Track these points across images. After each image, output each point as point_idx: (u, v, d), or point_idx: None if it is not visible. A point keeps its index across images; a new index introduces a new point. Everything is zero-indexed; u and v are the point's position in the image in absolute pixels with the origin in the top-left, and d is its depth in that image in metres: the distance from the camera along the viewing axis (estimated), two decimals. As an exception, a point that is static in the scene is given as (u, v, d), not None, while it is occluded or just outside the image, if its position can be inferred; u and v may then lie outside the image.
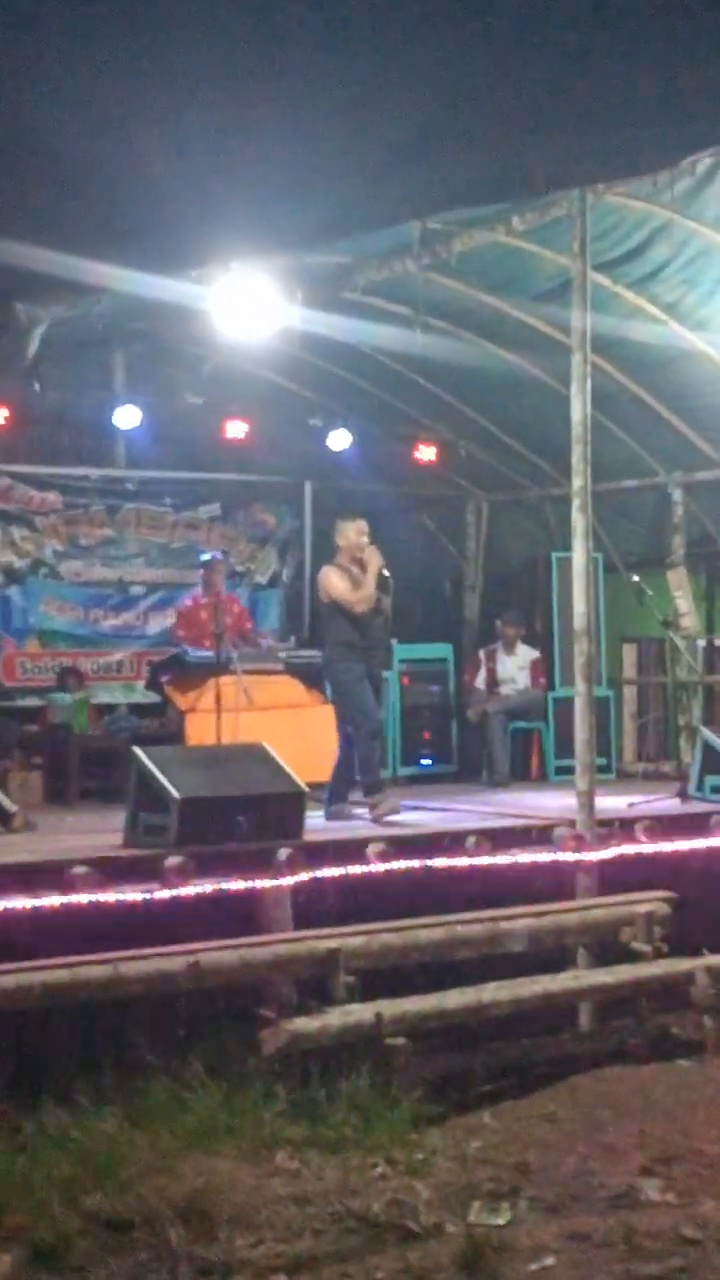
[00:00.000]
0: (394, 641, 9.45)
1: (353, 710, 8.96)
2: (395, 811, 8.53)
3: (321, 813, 8.74)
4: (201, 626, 10.60)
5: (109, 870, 6.86)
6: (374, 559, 9.05)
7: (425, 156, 5.37)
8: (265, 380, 12.18)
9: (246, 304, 9.50)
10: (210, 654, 9.93)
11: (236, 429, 12.06)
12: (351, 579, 9.04)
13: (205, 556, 11.12)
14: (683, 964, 7.56)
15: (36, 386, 10.71)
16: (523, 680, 12.16)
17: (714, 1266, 4.72)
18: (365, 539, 9.14)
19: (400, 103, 4.73)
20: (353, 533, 9.16)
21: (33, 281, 8.22)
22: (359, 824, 8.59)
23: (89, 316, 9.72)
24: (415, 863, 7.57)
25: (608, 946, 7.72)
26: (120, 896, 6.66)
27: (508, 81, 4.65)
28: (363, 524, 9.23)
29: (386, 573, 9.09)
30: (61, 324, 9.78)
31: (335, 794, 9.00)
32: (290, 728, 9.83)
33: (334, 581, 9.05)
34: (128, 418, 11.74)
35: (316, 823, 8.05)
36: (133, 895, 6.69)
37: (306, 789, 7.77)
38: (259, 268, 9.11)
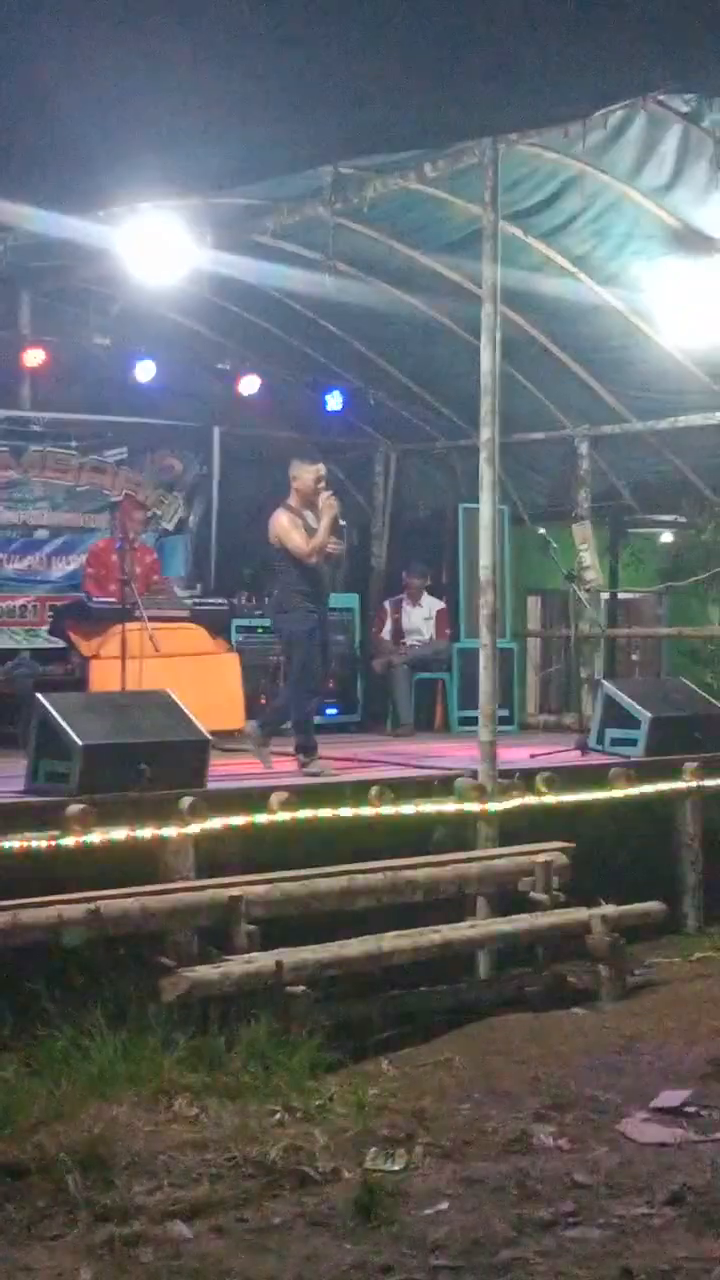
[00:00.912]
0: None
1: (298, 664, 8.77)
2: (324, 775, 8.40)
3: (225, 760, 8.71)
4: (109, 569, 10.50)
5: (10, 816, 6.81)
6: (330, 507, 8.70)
7: (337, 101, 5.31)
8: (174, 323, 12.06)
9: (156, 245, 9.39)
10: (113, 600, 9.84)
11: (145, 372, 11.93)
12: (305, 525, 8.69)
13: (115, 498, 10.99)
14: (579, 914, 7.68)
15: (-61, 325, 10.52)
16: (428, 631, 12.22)
17: (604, 1210, 4.82)
18: (322, 484, 8.80)
19: (312, 45, 4.66)
20: (310, 476, 8.78)
21: (-65, 218, 8.06)
22: (264, 773, 8.59)
23: (-6, 255, 9.56)
24: (318, 812, 7.59)
25: (507, 896, 7.81)
26: (21, 843, 6.61)
27: (420, 26, 4.59)
28: (321, 469, 8.90)
29: (343, 522, 8.87)
30: (-35, 262, 9.62)
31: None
32: (195, 675, 9.80)
33: (286, 529, 8.63)
34: (34, 359, 11.57)
35: (220, 771, 8.03)
36: (34, 842, 6.65)
37: (210, 737, 7.75)
38: (168, 209, 9.01)
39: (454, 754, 9.50)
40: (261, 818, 7.38)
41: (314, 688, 8.90)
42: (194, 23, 4.37)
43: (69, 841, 6.72)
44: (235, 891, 6.77)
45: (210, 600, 11.58)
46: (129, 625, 9.27)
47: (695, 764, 9.13)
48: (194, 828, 7.09)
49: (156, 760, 7.32)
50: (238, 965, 6.47)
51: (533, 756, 9.33)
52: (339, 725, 11.93)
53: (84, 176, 5.91)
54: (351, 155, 8.45)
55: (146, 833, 6.95)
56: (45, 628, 11.57)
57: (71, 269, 10.89)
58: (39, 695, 7.65)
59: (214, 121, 5.21)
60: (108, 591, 10.25)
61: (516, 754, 9.24)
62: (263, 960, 6.52)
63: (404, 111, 5.55)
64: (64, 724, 7.26)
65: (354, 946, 6.92)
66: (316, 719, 10.55)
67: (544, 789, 8.47)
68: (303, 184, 9.09)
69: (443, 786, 8.26)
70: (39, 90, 4.73)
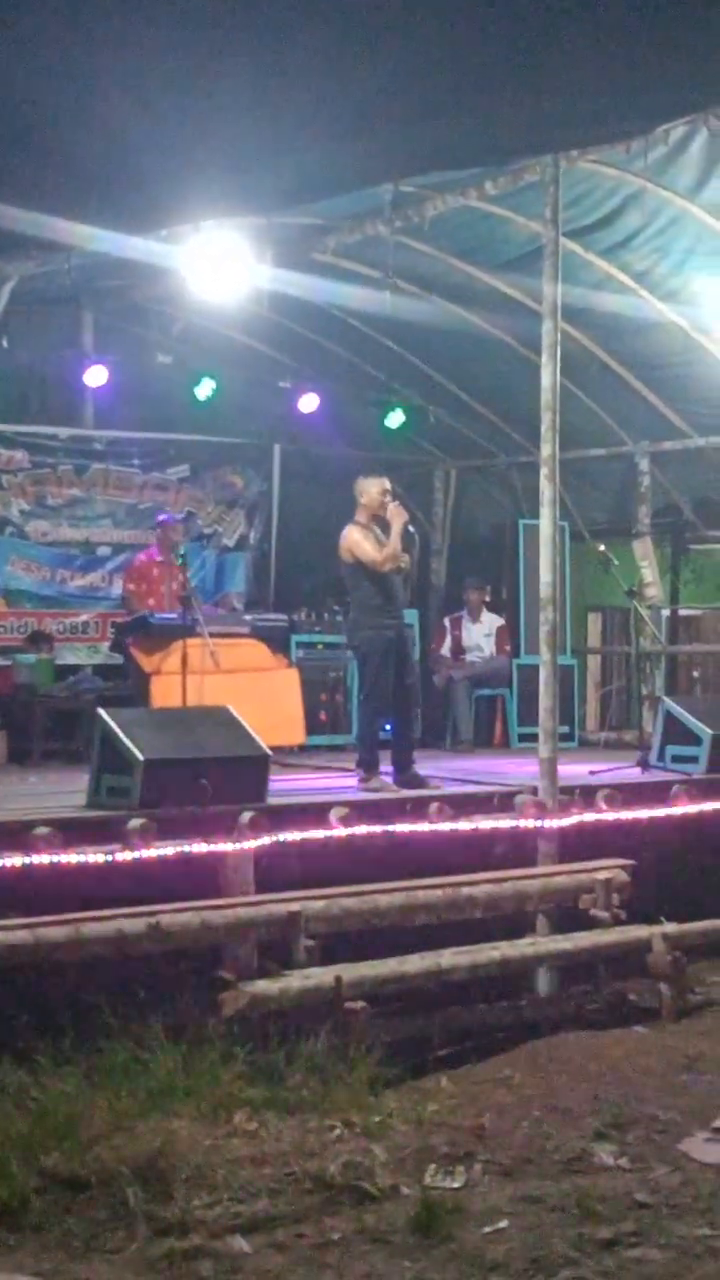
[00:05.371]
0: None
1: (368, 683, 8.80)
2: (384, 791, 8.43)
3: (285, 775, 8.74)
4: (151, 584, 10.60)
5: (71, 831, 6.86)
6: (398, 516, 8.71)
7: (398, 119, 5.34)
8: (235, 341, 12.12)
9: (217, 264, 9.45)
10: (174, 616, 9.90)
11: (206, 390, 12.00)
12: (374, 538, 8.74)
13: (162, 517, 11.13)
14: (640, 931, 7.63)
15: (4, 343, 10.61)
16: (488, 647, 12.20)
17: (665, 1231, 4.78)
18: (388, 496, 8.83)
19: (372, 64, 4.69)
20: (375, 490, 8.83)
21: (0, 238, 8.14)
22: (324, 789, 8.60)
23: (58, 274, 9.65)
24: (378, 828, 7.59)
25: (567, 913, 7.77)
26: (82, 858, 6.65)
27: (481, 44, 4.61)
28: (385, 482, 8.94)
29: (412, 529, 8.86)
30: (30, 280, 9.72)
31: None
32: (255, 691, 9.83)
33: (357, 541, 8.70)
34: (96, 377, 11.66)
35: (280, 786, 8.05)
36: (95, 857, 6.69)
37: (270, 752, 7.78)
38: (230, 228, 9.06)
39: (514, 770, 9.46)
40: (321, 833, 7.39)
41: (381, 707, 8.85)
42: (255, 44, 4.42)
43: (130, 856, 6.75)
44: (295, 906, 6.78)
45: (270, 616, 11.60)
46: (190, 641, 9.31)
47: (757, 781, 9.05)
48: (253, 842, 7.11)
49: (217, 775, 7.35)
50: (297, 980, 6.48)
51: (593, 773, 9.28)
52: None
53: (147, 196, 5.98)
54: (412, 173, 8.48)
55: (206, 847, 6.97)
56: (107, 644, 11.66)
57: (134, 288, 10.98)
58: (100, 710, 7.70)
59: (276, 141, 5.25)
60: (147, 606, 10.36)
61: (577, 770, 9.19)
62: (322, 976, 6.53)
63: (465, 129, 5.57)
64: (125, 739, 7.31)
65: (413, 963, 6.90)
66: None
67: (604, 805, 8.43)
68: (363, 202, 9.13)
69: (503, 802, 8.24)
70: (102, 112, 4.80)
